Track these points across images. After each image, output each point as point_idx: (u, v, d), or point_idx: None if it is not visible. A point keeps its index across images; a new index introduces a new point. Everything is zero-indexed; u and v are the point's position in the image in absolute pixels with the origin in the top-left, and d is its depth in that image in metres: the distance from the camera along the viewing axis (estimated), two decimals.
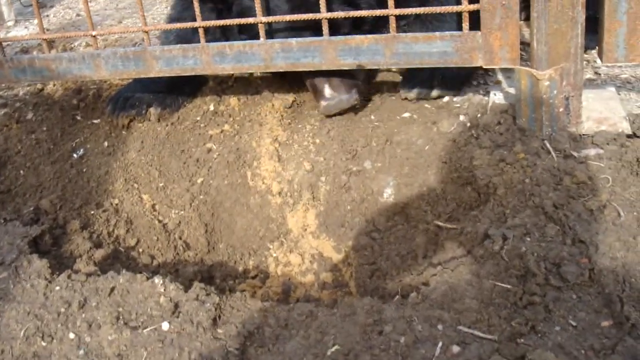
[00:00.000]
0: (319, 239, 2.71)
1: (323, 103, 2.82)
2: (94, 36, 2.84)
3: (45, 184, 3.04)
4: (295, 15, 2.52)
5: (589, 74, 3.10)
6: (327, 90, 2.80)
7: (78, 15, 6.08)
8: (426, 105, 2.82)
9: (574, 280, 1.82)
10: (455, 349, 1.72)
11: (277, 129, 2.95)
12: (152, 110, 3.18)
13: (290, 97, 3.04)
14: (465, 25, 2.35)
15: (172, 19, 3.28)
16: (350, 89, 2.80)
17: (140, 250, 2.68)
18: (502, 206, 2.16)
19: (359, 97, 2.83)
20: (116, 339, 1.95)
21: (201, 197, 2.87)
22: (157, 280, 2.12)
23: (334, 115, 2.87)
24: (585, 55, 3.11)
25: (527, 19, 2.38)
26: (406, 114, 2.82)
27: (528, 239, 1.97)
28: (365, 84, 2.97)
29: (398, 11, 2.37)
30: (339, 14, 2.45)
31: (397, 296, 2.01)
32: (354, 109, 2.89)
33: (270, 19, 2.53)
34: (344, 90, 2.80)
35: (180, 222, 2.81)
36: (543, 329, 1.73)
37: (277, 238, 2.78)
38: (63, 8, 6.53)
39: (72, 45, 4.77)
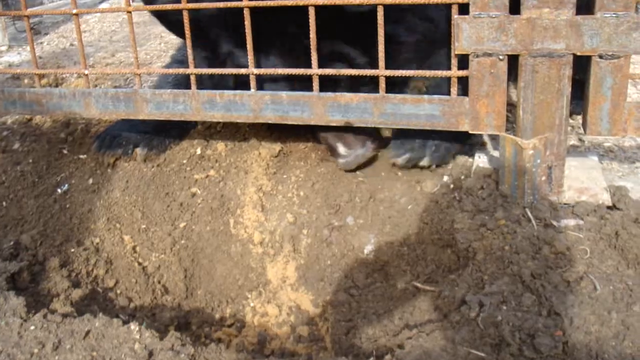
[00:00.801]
0: (297, 291, 2.72)
1: (341, 161, 2.85)
2: (86, 75, 2.86)
3: (27, 218, 3.03)
4: (287, 70, 2.55)
5: (573, 140, 3.15)
6: (342, 148, 2.84)
7: (72, 44, 6.11)
8: None
9: (547, 353, 1.83)
10: None
11: (263, 177, 2.97)
12: (138, 150, 3.20)
13: (277, 147, 3.06)
14: (454, 90, 2.39)
15: (175, 60, 3.32)
16: (364, 142, 2.83)
17: (119, 291, 2.67)
18: (480, 272, 2.18)
19: (374, 146, 2.85)
20: None
21: (182, 241, 2.87)
22: (133, 326, 2.11)
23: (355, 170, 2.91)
24: (570, 121, 3.17)
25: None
26: (391, 172, 2.85)
27: (504, 307, 1.99)
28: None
29: (389, 72, 2.41)
30: (330, 71, 2.48)
31: (372, 357, 2.02)
32: None
33: (262, 71, 2.56)
34: (359, 144, 2.83)
35: (160, 265, 2.81)
36: None
37: (255, 288, 2.78)
38: (57, 36, 6.57)
39: (64, 76, 4.79)
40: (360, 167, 2.90)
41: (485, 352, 1.88)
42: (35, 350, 2.06)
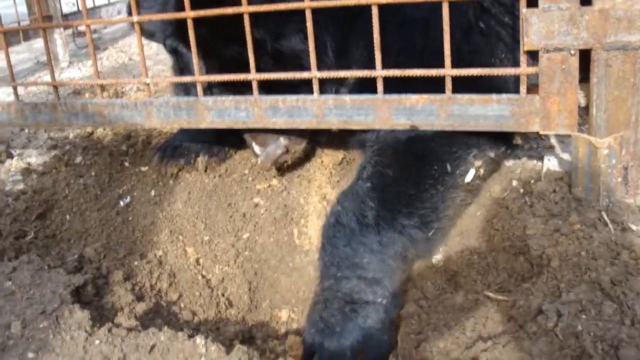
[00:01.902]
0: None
1: (258, 160, 2.90)
2: (147, 84, 2.85)
3: (91, 231, 3.04)
4: (349, 72, 2.50)
5: None
6: (255, 148, 2.88)
7: (130, 59, 6.18)
8: None
9: None
10: None
11: (326, 186, 2.92)
12: (200, 159, 3.19)
13: (339, 154, 3.01)
14: (523, 88, 2.30)
15: None
16: (276, 139, 2.84)
17: (182, 305, 2.65)
18: (556, 279, 2.09)
19: (286, 144, 2.86)
20: None
21: (246, 253, 2.83)
22: (199, 340, 2.08)
23: (272, 168, 2.94)
24: None
25: (582, 81, 2.32)
26: None
27: (584, 316, 1.89)
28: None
29: (455, 71, 2.33)
30: (395, 72, 2.41)
31: None
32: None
33: (325, 74, 2.50)
34: (270, 142, 2.85)
35: (224, 278, 2.78)
36: None
37: None
38: (116, 51, 6.65)
39: (124, 89, 4.83)
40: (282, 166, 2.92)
41: None
42: None
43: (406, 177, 2.55)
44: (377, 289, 2.39)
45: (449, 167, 2.56)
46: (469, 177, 2.58)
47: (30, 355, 2.11)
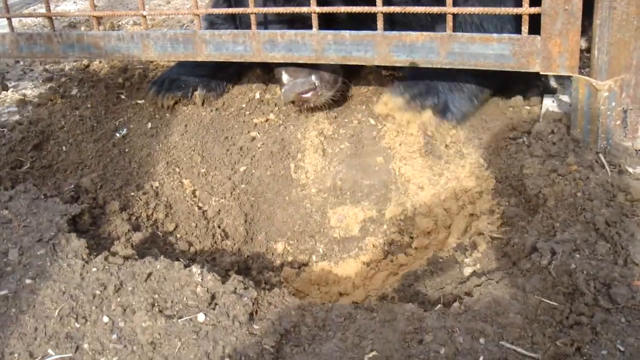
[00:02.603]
0: (360, 239, 2.67)
1: (282, 90, 2.81)
2: (144, 16, 2.82)
3: (87, 162, 3.03)
4: (349, 7, 2.47)
5: None
6: (285, 77, 2.78)
7: None
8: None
9: (624, 303, 1.75)
10: None
11: (324, 121, 2.90)
12: (197, 92, 3.16)
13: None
14: (525, 28, 2.28)
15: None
16: (309, 75, 2.76)
17: (178, 235, 2.66)
18: (551, 219, 2.10)
19: (319, 81, 2.78)
20: (150, 326, 1.92)
21: (242, 186, 2.83)
22: (195, 269, 2.09)
23: (296, 101, 2.85)
24: None
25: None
26: None
27: (577, 255, 1.90)
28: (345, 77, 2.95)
29: (456, 10, 2.31)
30: (395, 9, 2.39)
31: (439, 305, 1.96)
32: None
33: (325, 9, 2.47)
34: (302, 74, 2.76)
35: (220, 210, 2.78)
36: (589, 352, 1.67)
37: (316, 233, 2.73)
38: None
39: (120, 23, 4.78)
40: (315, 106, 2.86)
41: (557, 301, 1.80)
42: (98, 292, 2.05)
43: None
44: None
45: None
46: None
47: (28, 281, 2.12)
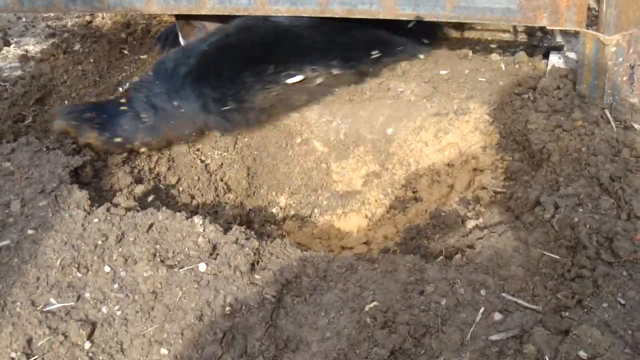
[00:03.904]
0: (363, 193, 2.66)
1: None
2: None
3: None
4: None
5: None
6: (180, 37, 2.91)
7: None
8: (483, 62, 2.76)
9: (625, 257, 1.75)
10: (497, 316, 1.68)
11: None
12: None
13: None
14: None
15: None
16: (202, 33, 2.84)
17: (181, 189, 2.65)
18: (555, 173, 2.09)
19: None
20: (152, 275, 1.93)
21: (245, 139, 2.81)
22: (197, 220, 2.09)
23: None
24: None
25: None
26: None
27: (581, 209, 1.90)
28: None
29: None
30: None
31: (441, 257, 1.96)
32: None
33: None
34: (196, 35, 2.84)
35: (222, 163, 2.76)
36: (590, 304, 1.67)
37: (319, 187, 2.73)
38: None
39: None
40: None
41: (560, 254, 1.80)
42: (99, 242, 2.06)
43: None
44: None
45: None
46: None
47: (30, 232, 2.13)
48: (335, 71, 2.73)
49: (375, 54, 2.78)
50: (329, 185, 2.71)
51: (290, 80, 2.69)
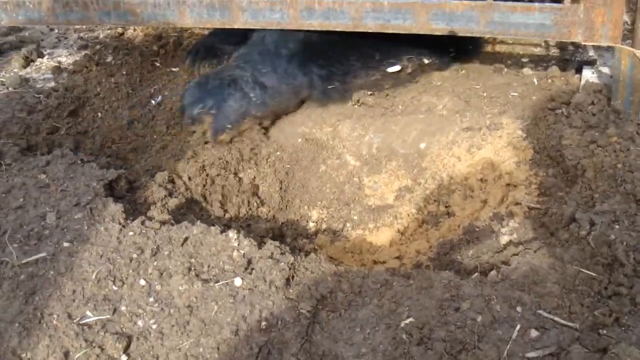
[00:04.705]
0: (394, 206, 2.66)
1: None
2: None
3: (123, 129, 3.05)
4: None
5: None
6: None
7: None
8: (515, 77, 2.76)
9: None
10: (534, 333, 1.67)
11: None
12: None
13: None
14: None
15: None
16: None
17: (214, 202, 2.66)
18: (590, 190, 2.08)
19: None
20: (187, 289, 1.94)
21: (278, 153, 2.83)
22: (232, 234, 2.10)
23: None
24: None
25: None
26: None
27: (617, 226, 1.89)
28: None
29: None
30: None
31: (476, 273, 1.96)
32: None
33: None
34: None
35: (255, 177, 2.78)
36: (628, 322, 1.66)
37: (352, 201, 2.73)
38: None
39: None
40: None
41: (596, 271, 1.79)
42: (134, 255, 2.07)
43: None
44: None
45: None
46: None
47: (66, 244, 2.15)
48: (425, 61, 2.95)
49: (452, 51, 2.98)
50: (361, 200, 2.71)
51: (390, 69, 2.95)
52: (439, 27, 2.42)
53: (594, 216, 1.93)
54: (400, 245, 2.51)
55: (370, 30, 2.54)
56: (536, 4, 2.30)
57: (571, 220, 1.98)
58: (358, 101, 2.85)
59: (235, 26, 2.74)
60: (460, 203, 2.47)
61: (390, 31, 2.50)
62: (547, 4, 2.29)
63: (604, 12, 2.20)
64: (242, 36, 3.20)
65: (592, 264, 1.82)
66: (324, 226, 2.72)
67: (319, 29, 2.61)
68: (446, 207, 2.53)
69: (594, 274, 1.79)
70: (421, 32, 2.47)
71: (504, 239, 2.10)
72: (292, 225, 2.71)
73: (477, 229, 2.22)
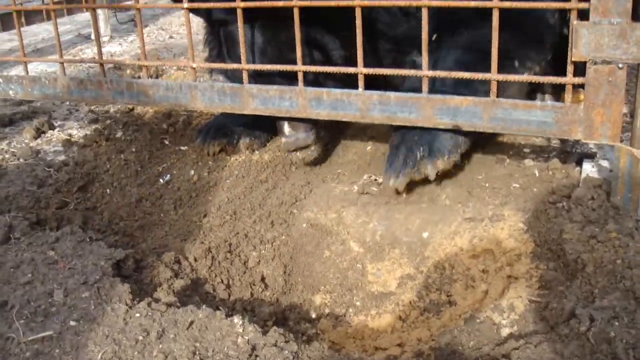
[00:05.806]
0: (396, 293, 2.69)
1: (283, 140, 3.03)
2: (194, 68, 2.90)
3: (131, 207, 3.10)
4: (396, 70, 2.55)
5: None
6: (287, 129, 3.00)
7: (171, 37, 6.25)
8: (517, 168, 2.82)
9: None
10: None
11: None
12: (242, 141, 3.30)
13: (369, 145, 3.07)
14: (569, 97, 2.32)
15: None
16: (308, 130, 3.00)
17: (219, 284, 2.70)
18: (590, 285, 2.12)
19: (315, 138, 3.05)
20: None
21: (283, 237, 2.88)
22: (236, 319, 2.13)
23: (294, 151, 3.08)
24: None
25: None
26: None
27: (617, 323, 1.92)
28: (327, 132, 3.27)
29: (502, 77, 2.36)
30: (441, 74, 2.45)
31: None
32: None
33: (371, 71, 2.55)
34: (302, 130, 2.99)
35: (260, 260, 2.82)
36: None
37: (355, 287, 2.76)
38: (157, 29, 6.71)
39: (164, 68, 4.89)
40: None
41: None
42: (140, 338, 2.09)
43: None
44: None
45: None
46: None
47: (72, 323, 2.18)
48: None
49: None
50: (364, 286, 2.74)
51: None
52: (443, 121, 2.50)
53: (593, 312, 1.96)
54: (402, 332, 2.53)
55: (376, 122, 2.62)
56: (537, 102, 2.38)
57: (571, 315, 2.01)
58: (363, 190, 2.91)
59: (245, 112, 2.82)
60: (461, 293, 2.51)
61: (397, 123, 2.58)
62: (549, 102, 2.36)
63: (603, 112, 2.27)
64: (253, 117, 3.29)
65: None
66: (326, 311, 2.75)
67: (327, 118, 2.69)
68: (448, 296, 2.56)
69: None
70: (426, 126, 2.55)
71: (505, 331, 2.13)
72: (296, 309, 2.74)
73: (477, 320, 2.24)
